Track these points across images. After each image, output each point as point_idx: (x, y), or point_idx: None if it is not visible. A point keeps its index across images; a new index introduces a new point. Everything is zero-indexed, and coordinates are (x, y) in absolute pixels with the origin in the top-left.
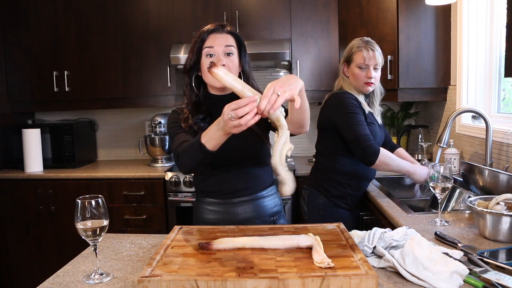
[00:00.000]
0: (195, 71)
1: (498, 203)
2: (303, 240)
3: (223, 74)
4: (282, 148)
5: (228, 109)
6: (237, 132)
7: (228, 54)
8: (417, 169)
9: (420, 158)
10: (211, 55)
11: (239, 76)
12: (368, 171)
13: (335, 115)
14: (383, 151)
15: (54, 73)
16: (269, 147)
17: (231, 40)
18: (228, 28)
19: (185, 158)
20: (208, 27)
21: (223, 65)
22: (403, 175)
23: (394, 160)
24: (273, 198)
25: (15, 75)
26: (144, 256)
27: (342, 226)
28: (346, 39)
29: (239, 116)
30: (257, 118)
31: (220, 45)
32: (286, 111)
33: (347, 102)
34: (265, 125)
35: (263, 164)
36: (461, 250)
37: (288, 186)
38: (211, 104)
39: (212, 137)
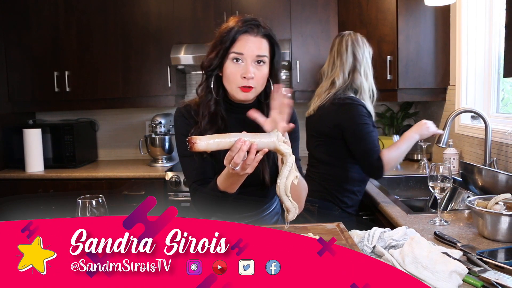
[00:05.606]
0: (216, 72)
1: (497, 203)
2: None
3: (205, 145)
4: (287, 179)
5: (227, 162)
6: (252, 171)
7: (259, 62)
8: (418, 131)
9: (419, 158)
10: (237, 60)
11: (267, 82)
12: None
13: (345, 124)
14: (383, 155)
15: (55, 73)
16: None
17: (264, 47)
18: (264, 28)
19: (206, 206)
20: (239, 25)
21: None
22: (405, 175)
23: (395, 152)
24: (273, 209)
25: (16, 75)
26: None
27: (342, 225)
28: None
29: (239, 163)
30: (254, 150)
31: (252, 53)
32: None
33: (359, 111)
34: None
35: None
36: (460, 249)
37: (292, 214)
38: (229, 114)
39: (230, 183)
